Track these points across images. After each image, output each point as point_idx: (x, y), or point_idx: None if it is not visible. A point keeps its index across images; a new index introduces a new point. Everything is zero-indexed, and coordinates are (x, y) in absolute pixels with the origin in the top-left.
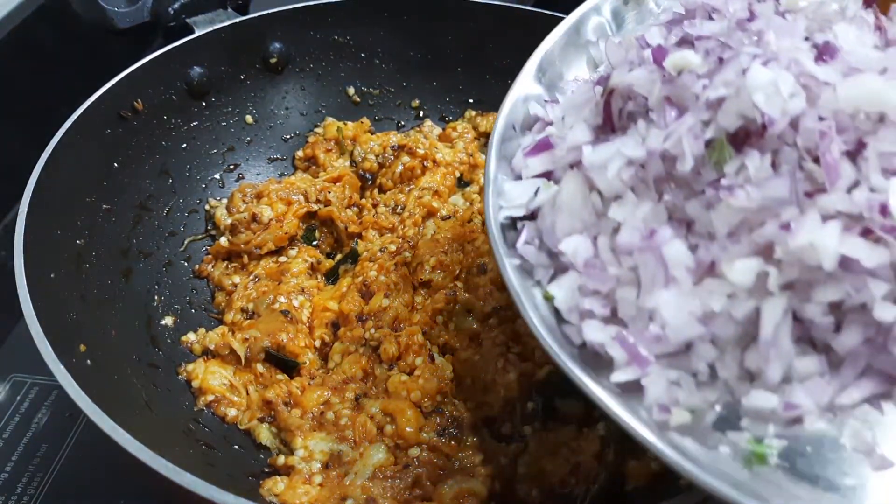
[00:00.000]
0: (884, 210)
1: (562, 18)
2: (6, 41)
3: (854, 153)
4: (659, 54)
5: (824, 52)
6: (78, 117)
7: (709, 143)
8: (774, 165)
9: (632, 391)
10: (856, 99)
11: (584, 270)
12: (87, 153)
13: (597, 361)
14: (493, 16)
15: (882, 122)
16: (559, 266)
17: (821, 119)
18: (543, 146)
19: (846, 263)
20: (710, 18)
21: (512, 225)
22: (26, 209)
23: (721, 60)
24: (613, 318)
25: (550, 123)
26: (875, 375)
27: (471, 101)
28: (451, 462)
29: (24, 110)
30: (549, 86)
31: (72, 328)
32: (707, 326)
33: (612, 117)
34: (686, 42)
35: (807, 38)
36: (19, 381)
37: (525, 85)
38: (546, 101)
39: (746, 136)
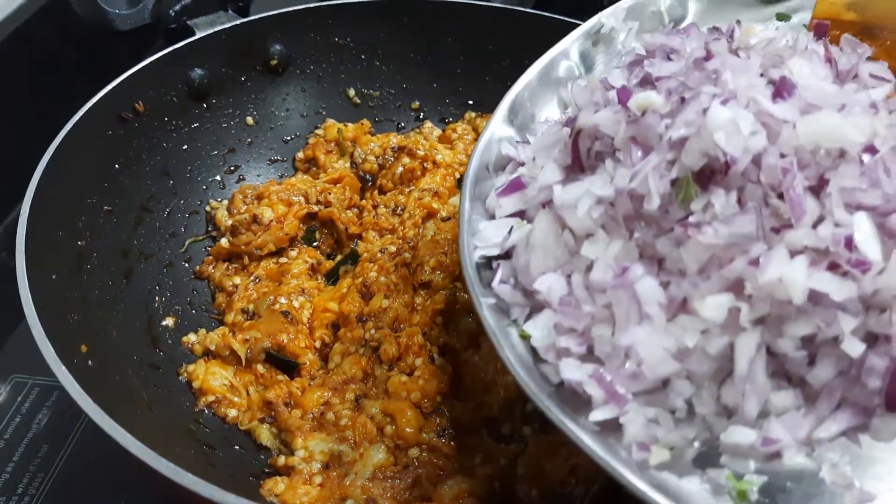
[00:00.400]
0: (849, 244)
1: (561, 21)
2: (7, 43)
3: (817, 189)
4: (623, 95)
5: (782, 89)
6: (79, 119)
7: (675, 182)
8: (740, 202)
9: (611, 429)
10: (815, 135)
11: (559, 308)
12: (88, 154)
13: (575, 400)
14: (493, 18)
15: (842, 158)
16: (535, 304)
17: (782, 156)
18: (515, 186)
19: (816, 298)
20: (669, 59)
21: (487, 264)
22: (28, 210)
23: (683, 100)
24: (590, 355)
25: (522, 164)
26: (851, 408)
27: (471, 102)
28: (451, 462)
29: (25, 112)
30: (521, 127)
31: (73, 329)
32: (682, 363)
33: (581, 157)
34: (648, 82)
35: (762, 75)
36: (20, 382)
37: (497, 127)
38: (518, 141)
39: (711, 174)
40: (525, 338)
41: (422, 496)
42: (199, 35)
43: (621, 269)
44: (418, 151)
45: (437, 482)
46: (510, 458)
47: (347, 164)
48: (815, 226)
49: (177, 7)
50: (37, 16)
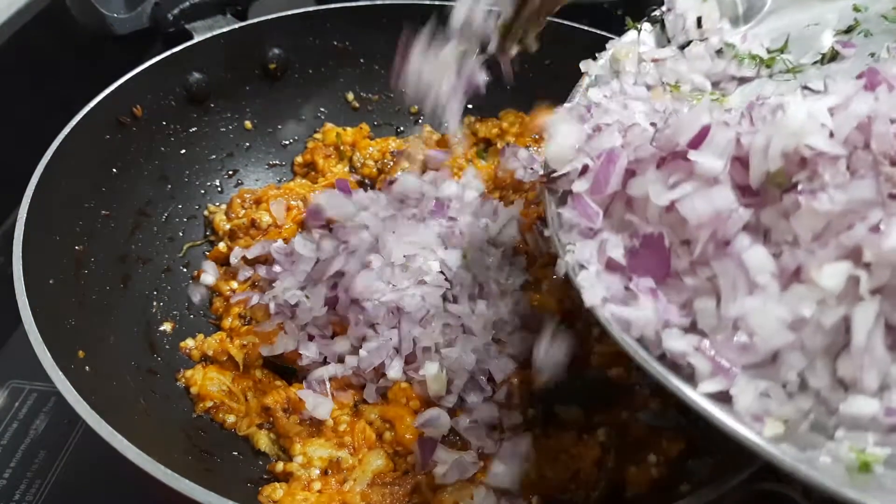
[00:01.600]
0: None
1: (561, 24)
2: (5, 47)
3: None
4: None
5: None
6: (77, 123)
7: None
8: (849, 170)
9: (719, 403)
10: None
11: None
12: (86, 159)
13: (676, 373)
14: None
15: None
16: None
17: (892, 121)
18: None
19: None
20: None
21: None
22: (25, 215)
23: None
24: (693, 329)
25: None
26: None
27: (469, 106)
28: None
29: (23, 116)
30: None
31: (70, 334)
32: (797, 333)
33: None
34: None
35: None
36: (17, 388)
37: None
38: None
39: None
40: None
41: (421, 502)
42: (197, 39)
43: (724, 241)
44: (417, 156)
45: (436, 489)
46: None
47: (346, 169)
48: None
49: (175, 11)
50: (35, 20)
